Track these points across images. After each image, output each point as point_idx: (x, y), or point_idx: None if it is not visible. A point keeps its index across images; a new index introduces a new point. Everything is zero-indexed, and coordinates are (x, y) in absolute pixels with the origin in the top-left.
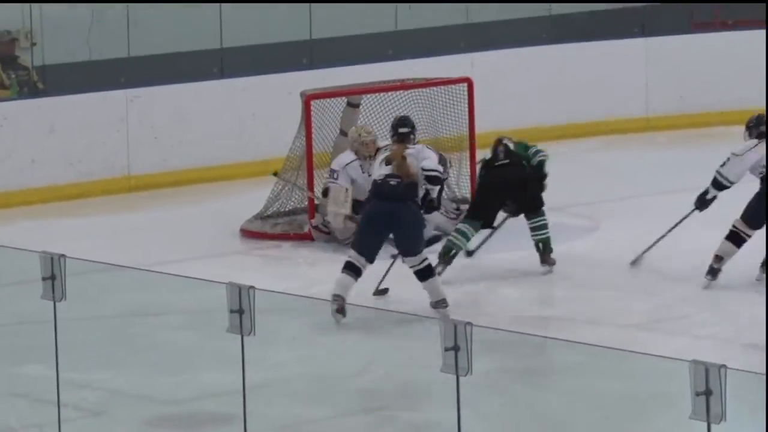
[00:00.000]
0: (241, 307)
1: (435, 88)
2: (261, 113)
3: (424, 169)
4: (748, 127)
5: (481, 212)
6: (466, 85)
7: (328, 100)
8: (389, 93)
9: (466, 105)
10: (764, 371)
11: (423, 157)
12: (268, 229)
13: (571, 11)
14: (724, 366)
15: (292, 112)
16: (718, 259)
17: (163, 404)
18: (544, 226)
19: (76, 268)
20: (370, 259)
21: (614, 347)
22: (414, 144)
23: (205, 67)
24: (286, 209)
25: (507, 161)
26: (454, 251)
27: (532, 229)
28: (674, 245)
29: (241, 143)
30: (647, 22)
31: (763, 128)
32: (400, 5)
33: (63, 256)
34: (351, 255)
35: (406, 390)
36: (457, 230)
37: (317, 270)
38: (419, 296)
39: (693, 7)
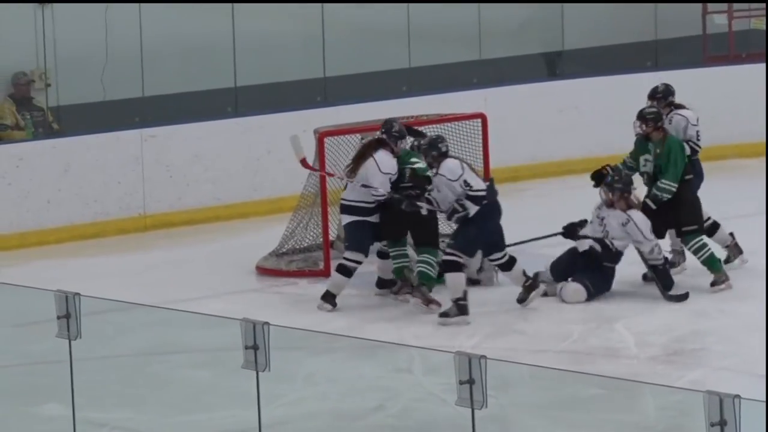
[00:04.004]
0: (256, 343)
1: (449, 124)
2: (275, 151)
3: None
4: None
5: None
6: (479, 120)
7: (341, 136)
8: None
9: (480, 140)
10: None
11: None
12: (284, 266)
13: (584, 46)
14: (738, 396)
15: (307, 150)
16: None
17: None
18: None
19: (92, 307)
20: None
21: (631, 379)
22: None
23: (219, 105)
24: (302, 246)
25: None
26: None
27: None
28: (690, 276)
29: (256, 181)
30: (660, 55)
31: None
32: (413, 42)
33: (77, 294)
34: None
35: (424, 425)
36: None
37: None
38: (438, 330)
39: (706, 40)
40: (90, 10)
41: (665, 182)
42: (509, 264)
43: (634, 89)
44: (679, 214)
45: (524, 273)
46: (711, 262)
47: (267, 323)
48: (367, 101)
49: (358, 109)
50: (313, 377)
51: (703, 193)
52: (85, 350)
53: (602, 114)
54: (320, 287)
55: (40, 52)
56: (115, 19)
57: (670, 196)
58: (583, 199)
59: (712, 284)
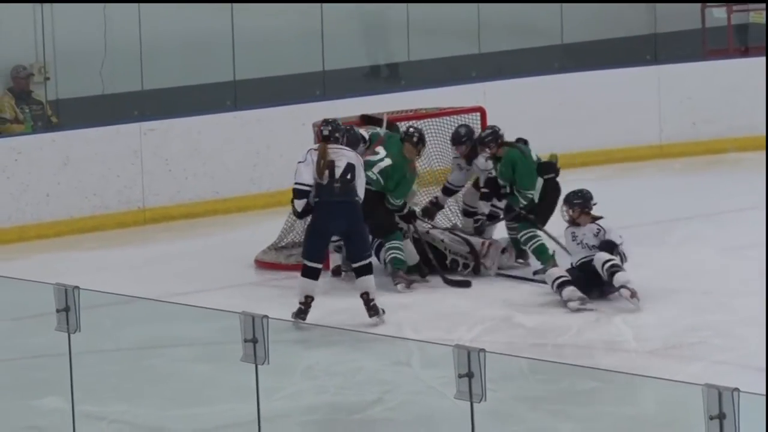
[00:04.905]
0: (255, 336)
1: (448, 118)
2: (274, 144)
3: None
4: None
5: None
6: (478, 114)
7: None
8: (402, 123)
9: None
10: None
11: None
12: (283, 260)
13: (583, 39)
14: (737, 389)
15: (306, 143)
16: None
17: None
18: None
19: (91, 300)
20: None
21: (630, 373)
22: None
23: (218, 99)
24: (301, 240)
25: None
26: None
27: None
28: (690, 270)
29: (255, 174)
30: (659, 49)
31: None
32: (412, 36)
33: (77, 287)
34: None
35: (422, 419)
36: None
37: (332, 300)
38: (437, 323)
39: (705, 34)
40: (89, 4)
41: (524, 191)
42: (360, 271)
43: (633, 83)
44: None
45: (364, 295)
46: (540, 252)
47: (266, 316)
48: (366, 94)
49: (357, 102)
50: (311, 370)
51: (703, 187)
52: (84, 344)
53: (602, 108)
54: (318, 281)
55: (39, 46)
56: (114, 13)
57: (526, 203)
58: None
59: (535, 272)
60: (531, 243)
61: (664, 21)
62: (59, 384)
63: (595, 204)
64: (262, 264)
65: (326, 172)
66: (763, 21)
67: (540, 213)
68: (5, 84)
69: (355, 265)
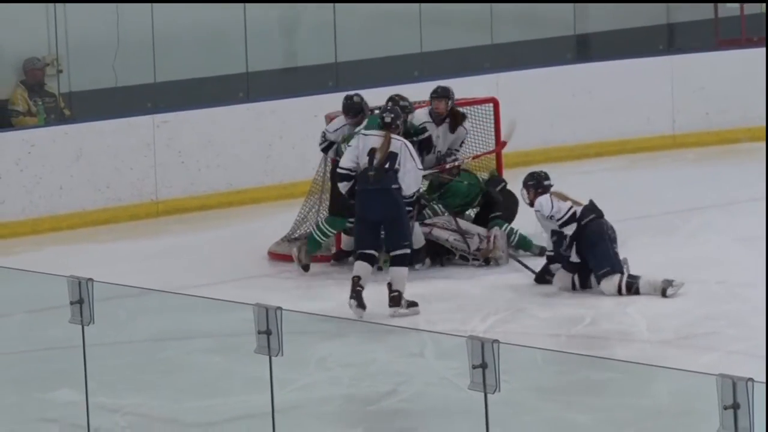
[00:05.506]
0: (269, 328)
1: (461, 109)
2: (287, 136)
3: None
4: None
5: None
6: (492, 105)
7: None
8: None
9: (493, 125)
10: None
11: None
12: (296, 251)
13: (596, 30)
14: (751, 379)
15: (318, 135)
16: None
17: (193, 427)
18: None
19: (105, 292)
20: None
21: (644, 363)
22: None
23: (231, 91)
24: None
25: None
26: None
27: None
28: (703, 260)
29: (268, 166)
30: (672, 39)
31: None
32: (425, 26)
33: (90, 280)
34: None
35: (436, 410)
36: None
37: (345, 291)
38: (451, 314)
39: (718, 24)
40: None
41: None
42: (394, 260)
43: (646, 73)
44: (490, 206)
45: (389, 285)
46: (523, 243)
47: (280, 308)
48: (379, 86)
49: (371, 93)
50: (325, 362)
51: (716, 177)
52: (98, 336)
53: (614, 98)
54: (331, 272)
55: (52, 39)
56: (126, 5)
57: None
58: (596, 184)
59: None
60: (512, 236)
61: (677, 11)
62: (73, 376)
63: (551, 185)
64: (275, 256)
65: (366, 160)
66: None
67: (504, 212)
68: (18, 77)
69: (391, 254)
